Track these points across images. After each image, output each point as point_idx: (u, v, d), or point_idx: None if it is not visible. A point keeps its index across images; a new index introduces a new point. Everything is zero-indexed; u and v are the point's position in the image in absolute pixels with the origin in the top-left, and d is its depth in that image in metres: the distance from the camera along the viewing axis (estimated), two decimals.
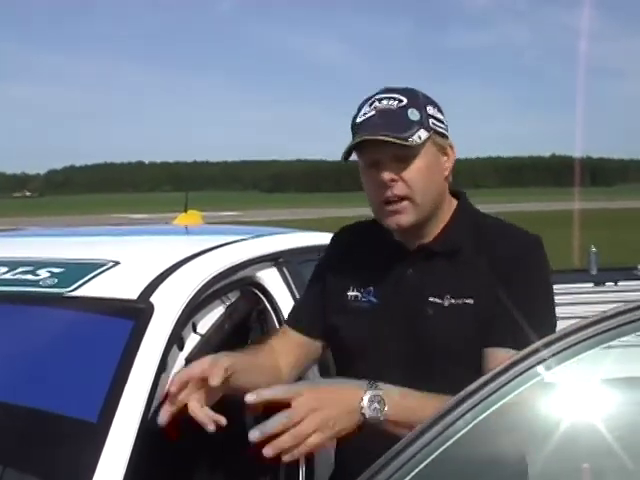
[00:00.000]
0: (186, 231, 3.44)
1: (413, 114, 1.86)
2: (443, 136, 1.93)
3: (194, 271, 2.16)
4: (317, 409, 1.64)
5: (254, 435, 1.63)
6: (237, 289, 2.41)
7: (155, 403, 1.78)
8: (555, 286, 2.01)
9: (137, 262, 2.27)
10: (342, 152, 1.91)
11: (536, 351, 1.32)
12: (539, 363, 1.31)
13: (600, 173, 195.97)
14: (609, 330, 1.31)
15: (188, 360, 2.08)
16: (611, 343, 1.33)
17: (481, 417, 1.30)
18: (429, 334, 1.88)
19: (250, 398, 1.69)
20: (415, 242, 1.98)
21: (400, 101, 1.88)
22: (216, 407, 1.90)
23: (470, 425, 1.29)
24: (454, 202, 2.02)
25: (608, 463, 1.55)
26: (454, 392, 1.33)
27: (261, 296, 2.51)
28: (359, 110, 1.92)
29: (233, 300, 2.36)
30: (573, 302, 6.22)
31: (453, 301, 1.87)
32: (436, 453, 1.25)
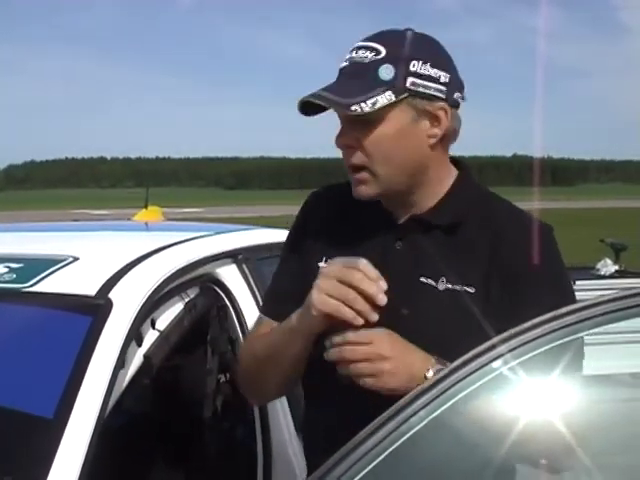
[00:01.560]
0: (146, 227, 3.44)
1: (386, 71, 1.60)
2: (431, 98, 1.63)
3: (153, 267, 2.16)
4: (390, 359, 1.53)
5: (333, 354, 1.54)
6: (196, 286, 2.41)
7: (112, 400, 1.78)
8: None
9: (96, 258, 2.27)
10: (297, 105, 1.64)
11: (493, 347, 1.32)
12: (496, 359, 1.31)
13: (561, 173, 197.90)
14: (566, 327, 1.32)
15: (146, 357, 2.08)
16: (567, 340, 1.35)
17: (435, 413, 1.30)
18: (418, 322, 1.63)
19: (338, 339, 1.53)
20: (405, 212, 1.72)
21: (377, 54, 1.61)
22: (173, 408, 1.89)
23: (424, 421, 1.29)
24: (454, 172, 1.77)
25: (566, 460, 1.58)
26: None
27: (220, 293, 2.51)
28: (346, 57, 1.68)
29: (192, 296, 2.36)
30: None
31: (450, 286, 1.63)
32: (390, 450, 1.26)
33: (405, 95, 1.61)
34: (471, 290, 1.62)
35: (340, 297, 1.52)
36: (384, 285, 1.52)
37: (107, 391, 1.72)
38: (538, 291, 1.60)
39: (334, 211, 1.80)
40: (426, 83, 1.62)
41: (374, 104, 1.58)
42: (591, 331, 1.34)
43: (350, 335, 1.53)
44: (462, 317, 1.60)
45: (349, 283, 1.52)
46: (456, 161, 1.80)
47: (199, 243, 2.62)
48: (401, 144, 1.64)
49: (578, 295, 1.66)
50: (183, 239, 2.56)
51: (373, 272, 1.53)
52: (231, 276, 2.57)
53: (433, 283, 1.63)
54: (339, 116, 1.67)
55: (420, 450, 1.39)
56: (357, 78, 1.61)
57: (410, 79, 1.61)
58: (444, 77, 1.65)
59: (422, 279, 1.64)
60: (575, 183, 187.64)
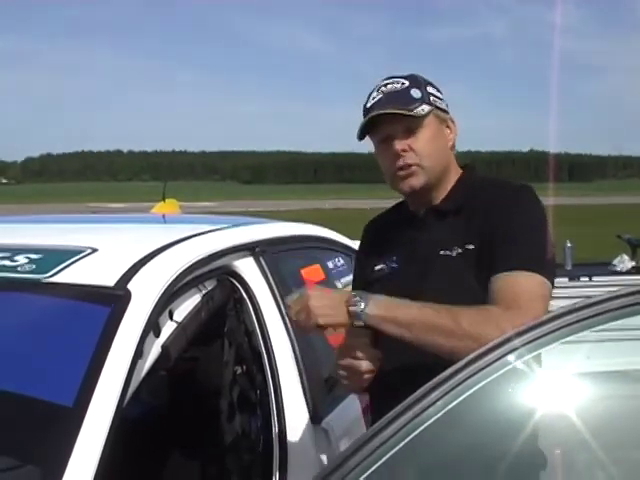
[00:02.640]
0: (163, 220, 3.45)
1: (415, 93, 2.13)
2: (444, 111, 2.20)
3: (171, 259, 2.17)
4: (311, 296, 1.95)
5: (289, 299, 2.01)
6: (214, 278, 2.43)
7: (131, 389, 1.80)
8: None
9: (115, 249, 2.28)
10: (357, 133, 2.17)
11: (508, 340, 1.33)
12: (511, 352, 1.32)
13: (578, 169, 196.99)
14: (580, 321, 1.33)
15: (164, 347, 2.10)
16: (580, 335, 1.35)
17: (452, 404, 1.31)
18: (441, 285, 2.06)
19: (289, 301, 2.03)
20: (424, 206, 2.20)
21: (403, 84, 2.15)
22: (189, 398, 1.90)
23: (441, 412, 1.30)
24: (459, 171, 2.25)
25: (578, 452, 1.59)
26: None
27: (237, 285, 2.53)
28: (368, 97, 2.18)
29: (210, 289, 2.38)
30: None
31: (460, 250, 2.07)
32: (405, 441, 1.27)
33: (432, 108, 2.14)
34: (472, 246, 2.06)
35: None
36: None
37: (125, 380, 1.74)
38: (507, 233, 2.02)
39: (382, 230, 2.36)
40: (439, 101, 2.19)
41: (423, 110, 2.11)
42: (605, 325, 1.35)
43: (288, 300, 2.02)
44: (470, 272, 2.03)
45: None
46: (465, 164, 2.28)
47: (216, 235, 2.63)
48: (437, 144, 2.16)
49: (596, 291, 1.68)
50: (201, 231, 2.58)
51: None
52: (248, 269, 2.59)
53: (449, 253, 2.08)
54: (379, 135, 2.15)
55: (435, 442, 1.40)
56: (398, 99, 2.11)
57: (431, 97, 2.16)
58: (444, 99, 2.22)
59: (441, 252, 2.10)
60: (593, 179, 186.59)
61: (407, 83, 2.15)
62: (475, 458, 1.90)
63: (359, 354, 2.04)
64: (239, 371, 2.60)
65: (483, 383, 1.33)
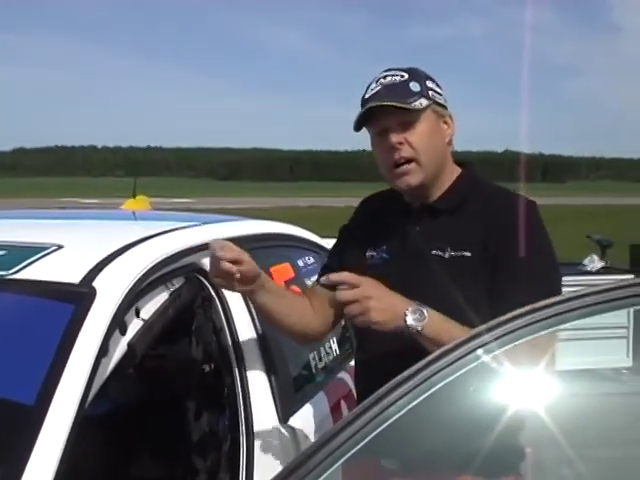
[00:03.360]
0: (133, 216, 3.43)
1: (414, 86, 2.11)
2: (443, 107, 2.19)
3: (138, 256, 2.16)
4: (373, 297, 1.93)
5: (344, 275, 1.98)
6: (182, 275, 2.41)
7: (95, 387, 1.78)
8: None
9: (81, 246, 2.26)
10: (353, 124, 2.14)
11: (476, 335, 1.33)
12: (480, 347, 1.32)
13: (551, 169, 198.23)
14: (551, 317, 1.33)
15: (130, 345, 2.09)
16: (550, 330, 1.35)
17: (417, 401, 1.31)
18: (431, 284, 2.06)
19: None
20: (419, 201, 2.20)
21: (402, 76, 2.13)
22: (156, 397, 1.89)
23: (404, 410, 1.30)
24: (457, 169, 2.25)
25: (546, 449, 1.59)
26: None
27: (206, 283, 2.51)
28: (367, 88, 2.16)
29: (178, 286, 2.37)
30: None
31: (453, 253, 2.07)
32: (369, 438, 1.27)
33: (431, 102, 2.12)
34: (468, 254, 2.06)
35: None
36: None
37: (89, 379, 1.72)
38: (520, 260, 2.00)
39: (373, 215, 2.34)
40: (438, 95, 2.16)
41: (421, 104, 2.09)
42: (575, 322, 1.35)
43: (344, 274, 1.99)
44: (463, 278, 2.02)
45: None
46: (463, 162, 2.29)
47: (185, 233, 2.62)
48: (434, 139, 2.14)
49: (566, 291, 1.69)
50: (169, 229, 2.56)
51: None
52: None
53: (441, 253, 2.08)
54: (376, 127, 2.14)
55: (400, 438, 1.40)
56: (396, 92, 2.09)
57: (430, 92, 2.14)
58: (443, 94, 2.20)
59: (433, 252, 2.10)
60: (566, 180, 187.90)
61: (406, 76, 2.13)
62: (441, 455, 1.91)
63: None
64: (207, 369, 2.59)
65: (450, 379, 1.32)
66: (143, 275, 2.08)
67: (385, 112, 2.09)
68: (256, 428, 2.42)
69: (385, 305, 1.94)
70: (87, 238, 2.46)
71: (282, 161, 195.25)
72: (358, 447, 1.26)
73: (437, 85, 2.19)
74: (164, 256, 2.23)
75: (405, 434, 1.39)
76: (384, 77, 2.15)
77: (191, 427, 2.57)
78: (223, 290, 2.52)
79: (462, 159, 2.29)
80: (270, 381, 2.55)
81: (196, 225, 2.84)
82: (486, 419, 1.49)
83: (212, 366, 2.59)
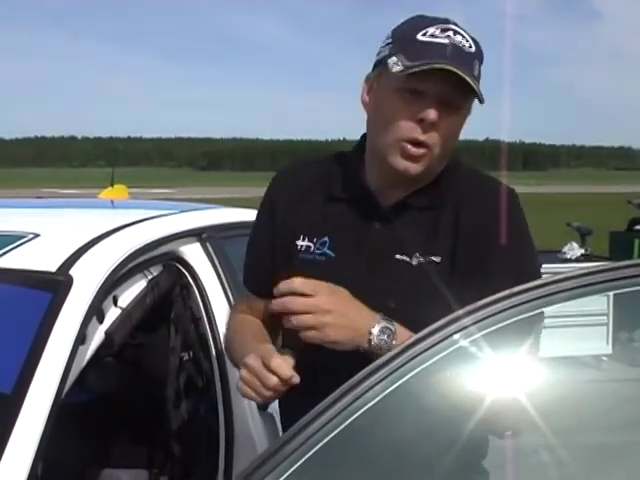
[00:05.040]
0: (111, 205, 3.42)
1: (476, 68, 1.65)
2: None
3: (116, 244, 2.15)
4: (332, 312, 1.56)
5: (275, 304, 1.58)
6: (160, 264, 2.41)
7: (72, 376, 1.78)
8: None
9: (58, 235, 2.25)
10: (393, 62, 1.63)
11: (455, 320, 1.32)
12: (458, 331, 1.31)
13: (532, 158, 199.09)
14: (530, 301, 1.33)
15: (108, 333, 2.08)
16: (530, 314, 1.35)
17: (393, 387, 1.30)
18: (395, 296, 1.69)
19: (283, 287, 1.58)
20: (392, 196, 1.76)
21: (470, 47, 1.64)
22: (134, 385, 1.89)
23: (381, 395, 1.30)
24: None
25: (527, 435, 1.60)
26: None
27: (184, 271, 2.51)
28: (420, 27, 1.64)
29: (155, 274, 2.37)
30: None
31: (422, 260, 1.69)
32: (344, 425, 1.27)
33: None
34: (437, 259, 1.68)
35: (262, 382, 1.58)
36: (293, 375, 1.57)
37: (66, 367, 1.72)
38: (501, 258, 1.66)
39: (308, 189, 1.81)
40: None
41: (482, 95, 1.63)
42: (554, 309, 1.36)
43: (296, 282, 1.56)
44: (434, 287, 1.64)
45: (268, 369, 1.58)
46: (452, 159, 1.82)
47: (163, 221, 2.61)
48: (456, 136, 1.71)
49: (545, 277, 1.67)
50: (147, 217, 2.56)
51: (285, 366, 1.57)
52: (195, 255, 2.57)
53: (407, 259, 1.69)
54: (416, 84, 1.62)
55: (376, 425, 1.40)
56: (467, 65, 1.61)
57: (479, 79, 1.65)
58: None
59: (397, 256, 1.70)
60: (546, 168, 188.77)
61: (473, 49, 1.65)
62: (418, 442, 1.91)
63: (275, 362, 1.57)
64: (185, 357, 2.60)
65: (427, 364, 1.32)
66: (121, 263, 2.07)
67: (443, 75, 1.59)
68: (235, 416, 2.42)
69: (346, 322, 1.56)
70: (64, 226, 2.45)
71: (263, 151, 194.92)
72: (333, 434, 1.26)
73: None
74: (142, 244, 2.23)
75: (380, 421, 1.39)
76: (454, 32, 1.64)
77: (170, 415, 2.58)
78: (201, 278, 2.52)
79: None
80: None
81: (174, 213, 2.84)
82: (464, 406, 1.49)
83: (191, 354, 2.59)
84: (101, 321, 2.05)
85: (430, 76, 1.59)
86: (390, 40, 1.68)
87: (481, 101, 1.65)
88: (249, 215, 3.42)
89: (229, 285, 2.54)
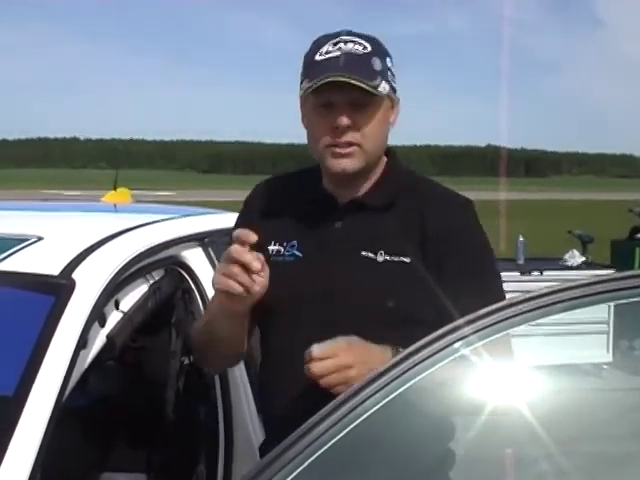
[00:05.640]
0: (114, 209, 3.43)
1: (376, 63, 1.83)
2: (394, 91, 1.92)
3: (118, 248, 2.16)
4: (354, 365, 1.66)
5: (314, 351, 1.66)
6: (162, 268, 2.42)
7: (73, 379, 1.78)
8: None
9: (61, 238, 2.26)
10: (302, 88, 1.86)
11: (457, 328, 1.33)
12: (459, 340, 1.32)
13: (534, 164, 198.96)
14: (531, 310, 1.34)
15: (109, 337, 2.09)
16: (524, 327, 1.36)
17: (393, 395, 1.31)
18: (360, 291, 1.83)
19: (306, 356, 1.67)
20: (346, 195, 1.91)
21: (365, 47, 1.83)
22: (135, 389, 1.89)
23: (381, 403, 1.30)
24: (384, 159, 1.97)
25: (527, 444, 1.60)
26: None
27: (186, 275, 2.52)
28: (318, 47, 1.85)
29: (157, 279, 2.37)
30: None
31: (388, 257, 1.82)
32: (344, 432, 1.27)
33: (389, 87, 1.86)
34: (406, 260, 1.81)
35: (228, 273, 1.71)
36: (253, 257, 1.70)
37: (68, 371, 1.72)
38: (460, 259, 1.83)
39: (279, 199, 1.99)
40: (393, 77, 1.89)
41: (385, 88, 1.83)
42: (555, 317, 1.36)
43: (315, 351, 1.65)
44: (401, 286, 1.80)
45: (232, 259, 1.70)
46: (385, 150, 1.98)
47: (165, 225, 2.62)
48: (382, 127, 1.88)
49: (545, 285, 1.69)
50: (149, 221, 2.57)
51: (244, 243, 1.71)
52: (197, 259, 2.58)
53: (372, 256, 1.82)
54: (322, 98, 1.82)
55: (376, 433, 1.40)
56: (360, 67, 1.80)
57: (389, 73, 1.86)
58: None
59: (363, 253, 1.83)
60: (548, 175, 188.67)
61: (369, 48, 1.83)
62: (418, 449, 1.91)
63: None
64: (186, 361, 2.60)
65: (427, 373, 1.32)
66: (123, 267, 2.08)
67: (340, 85, 1.77)
68: (235, 419, 2.43)
69: (367, 370, 1.55)
70: (67, 230, 2.46)
71: (265, 155, 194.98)
72: (334, 440, 1.27)
73: (393, 64, 1.91)
74: (144, 248, 2.23)
75: (380, 429, 1.40)
76: (345, 42, 1.83)
77: (170, 418, 2.58)
78: (203, 283, 2.52)
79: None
80: (248, 372, 2.55)
81: (176, 217, 2.84)
82: (465, 414, 1.50)
83: (191, 358, 2.60)
84: (103, 325, 2.05)
85: (333, 88, 1.77)
86: (302, 68, 1.90)
87: (391, 92, 1.86)
88: None
89: None
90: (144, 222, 2.51)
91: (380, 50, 1.86)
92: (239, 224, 2.01)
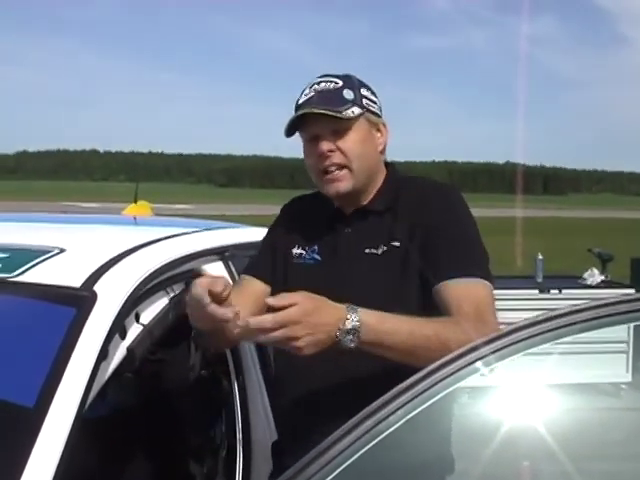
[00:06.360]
0: (135, 222, 3.44)
1: (348, 94, 2.11)
2: (376, 115, 2.18)
3: (139, 262, 2.17)
4: (302, 322, 1.70)
5: (269, 300, 1.73)
6: (182, 281, 2.42)
7: (94, 391, 1.78)
8: (501, 292, 2.07)
9: (83, 250, 2.27)
10: (284, 129, 2.13)
11: (476, 348, 1.33)
12: (479, 359, 1.32)
13: (553, 182, 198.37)
14: (551, 330, 1.33)
15: (130, 350, 2.09)
16: (543, 347, 1.36)
17: (414, 413, 1.31)
18: (366, 283, 2.06)
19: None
20: (352, 207, 2.19)
21: (336, 83, 2.13)
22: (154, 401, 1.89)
23: (402, 421, 1.30)
24: (384, 171, 2.24)
25: (545, 462, 1.59)
26: None
27: None
28: (301, 93, 2.15)
29: (178, 292, 2.37)
30: (517, 308, 6.32)
31: (385, 248, 2.08)
32: (365, 449, 1.27)
33: (364, 111, 2.12)
34: (396, 244, 2.07)
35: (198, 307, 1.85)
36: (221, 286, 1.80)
37: (88, 382, 1.73)
38: (448, 238, 2.03)
39: (304, 213, 2.31)
40: (372, 104, 2.16)
41: (354, 112, 2.09)
42: (574, 336, 1.35)
43: (269, 300, 1.73)
44: (396, 269, 2.05)
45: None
46: (385, 163, 2.26)
47: (186, 239, 2.63)
48: (366, 147, 2.14)
49: (564, 303, 1.69)
50: (171, 234, 2.57)
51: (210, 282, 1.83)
52: (217, 273, 2.58)
53: (374, 251, 2.09)
54: (307, 133, 2.13)
55: (398, 449, 1.40)
56: (330, 99, 2.08)
57: (364, 100, 2.14)
58: (378, 102, 2.21)
59: (366, 250, 2.10)
60: (566, 192, 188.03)
61: (340, 83, 2.13)
62: (437, 467, 1.91)
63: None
64: (205, 374, 2.60)
65: (447, 391, 1.32)
66: (144, 280, 2.09)
67: (317, 119, 2.08)
68: (253, 433, 2.43)
69: (317, 328, 1.73)
70: (89, 242, 2.47)
71: (282, 168, 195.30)
72: (354, 458, 1.27)
73: (372, 93, 2.19)
74: (165, 262, 2.24)
75: (402, 445, 1.40)
76: (318, 83, 2.14)
77: (188, 432, 2.58)
78: None
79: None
80: (267, 387, 2.55)
81: (197, 231, 2.85)
82: (484, 432, 1.49)
83: (210, 371, 2.60)
84: (123, 337, 2.06)
85: (316, 122, 2.08)
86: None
87: (346, 117, 2.07)
88: None
89: None
90: (165, 235, 2.52)
91: (351, 83, 2.15)
92: (271, 231, 2.35)
